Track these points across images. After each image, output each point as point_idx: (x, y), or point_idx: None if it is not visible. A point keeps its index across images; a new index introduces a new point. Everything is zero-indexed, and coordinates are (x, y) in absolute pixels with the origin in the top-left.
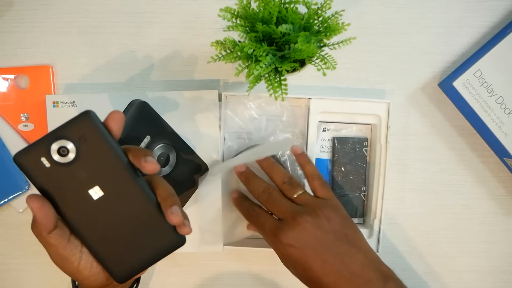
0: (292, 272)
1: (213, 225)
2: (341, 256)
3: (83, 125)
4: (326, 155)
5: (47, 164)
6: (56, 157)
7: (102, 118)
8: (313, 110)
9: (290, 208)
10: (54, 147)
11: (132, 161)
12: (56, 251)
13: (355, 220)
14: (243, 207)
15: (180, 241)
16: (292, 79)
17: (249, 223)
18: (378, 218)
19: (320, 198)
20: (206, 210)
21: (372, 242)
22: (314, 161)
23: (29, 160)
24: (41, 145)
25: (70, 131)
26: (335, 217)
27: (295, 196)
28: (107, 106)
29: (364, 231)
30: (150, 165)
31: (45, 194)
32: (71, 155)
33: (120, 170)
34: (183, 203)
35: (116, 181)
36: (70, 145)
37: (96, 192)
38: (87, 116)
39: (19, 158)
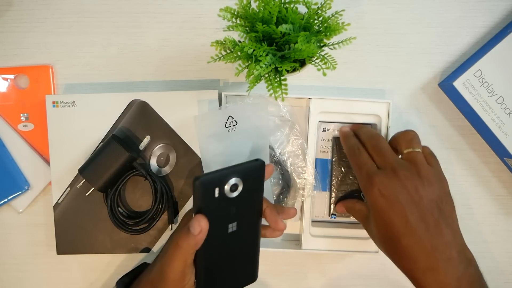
0: (370, 231)
1: None
2: (428, 225)
3: (256, 173)
4: (326, 155)
5: (217, 194)
6: (227, 191)
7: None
8: (313, 110)
9: (394, 160)
10: (230, 182)
11: (267, 215)
12: (183, 268)
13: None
14: (349, 142)
15: (256, 279)
16: (292, 79)
17: (338, 204)
18: None
19: (428, 165)
20: None
21: (372, 243)
22: (314, 161)
23: (208, 186)
24: (223, 176)
25: (247, 174)
26: (436, 188)
27: (407, 150)
28: (107, 106)
29: (364, 231)
30: (283, 226)
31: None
32: (236, 193)
33: (257, 215)
34: (183, 204)
35: (250, 222)
36: (241, 185)
37: (232, 227)
38: (262, 166)
39: (203, 182)
